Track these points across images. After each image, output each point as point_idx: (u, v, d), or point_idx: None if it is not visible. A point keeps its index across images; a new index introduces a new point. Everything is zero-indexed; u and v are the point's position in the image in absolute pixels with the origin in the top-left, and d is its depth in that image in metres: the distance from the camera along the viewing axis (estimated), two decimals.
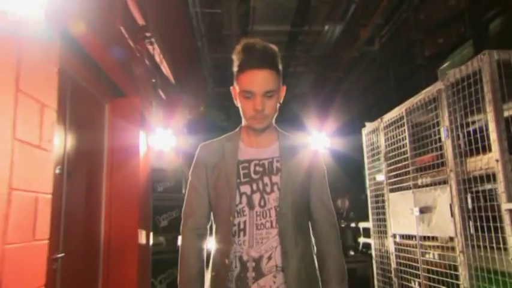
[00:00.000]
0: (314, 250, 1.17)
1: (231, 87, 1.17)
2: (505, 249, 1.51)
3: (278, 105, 1.14)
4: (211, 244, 1.20)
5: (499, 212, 1.52)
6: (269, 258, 1.07)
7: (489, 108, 1.55)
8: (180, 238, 1.19)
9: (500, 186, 1.52)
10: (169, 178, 3.79)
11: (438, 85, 1.91)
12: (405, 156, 2.31)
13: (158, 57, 3.46)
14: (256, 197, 1.10)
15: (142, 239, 2.91)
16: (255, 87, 1.06)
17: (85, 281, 2.43)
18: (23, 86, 1.33)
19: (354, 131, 5.17)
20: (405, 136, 2.29)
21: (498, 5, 3.40)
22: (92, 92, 2.55)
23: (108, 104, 2.82)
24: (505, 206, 1.49)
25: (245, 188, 1.11)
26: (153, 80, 3.21)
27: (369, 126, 2.97)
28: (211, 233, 1.20)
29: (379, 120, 2.73)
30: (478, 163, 1.68)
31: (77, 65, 2.15)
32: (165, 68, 3.96)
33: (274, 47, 1.13)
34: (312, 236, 1.17)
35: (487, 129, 1.62)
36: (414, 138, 2.22)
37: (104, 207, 2.70)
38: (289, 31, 5.83)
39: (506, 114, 1.63)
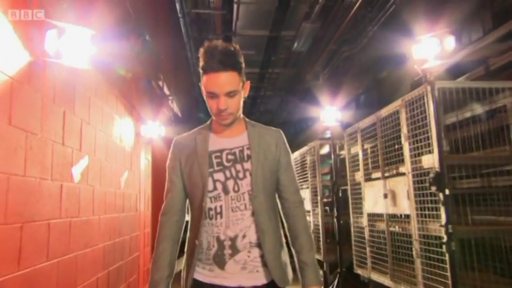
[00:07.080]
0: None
1: (200, 84, 1.20)
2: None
3: (243, 100, 1.22)
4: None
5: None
6: (244, 236, 1.17)
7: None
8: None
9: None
10: None
11: (314, 143, 4.32)
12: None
13: (175, 108, 5.70)
14: (230, 183, 1.19)
15: None
16: (217, 88, 1.12)
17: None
18: (144, 155, 3.62)
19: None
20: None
21: None
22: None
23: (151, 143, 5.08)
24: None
25: (219, 176, 1.20)
26: (173, 124, 5.47)
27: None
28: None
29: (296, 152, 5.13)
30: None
31: None
32: (176, 110, 6.19)
33: (236, 47, 1.17)
34: (281, 213, 1.29)
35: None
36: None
37: (151, 199, 4.99)
38: (258, 72, 8.14)
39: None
